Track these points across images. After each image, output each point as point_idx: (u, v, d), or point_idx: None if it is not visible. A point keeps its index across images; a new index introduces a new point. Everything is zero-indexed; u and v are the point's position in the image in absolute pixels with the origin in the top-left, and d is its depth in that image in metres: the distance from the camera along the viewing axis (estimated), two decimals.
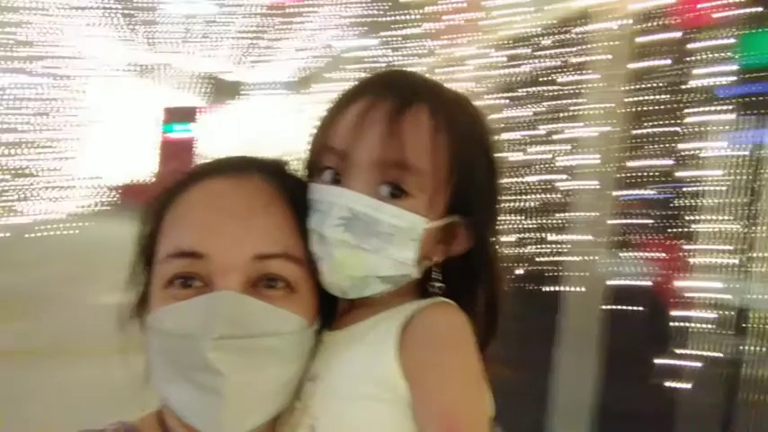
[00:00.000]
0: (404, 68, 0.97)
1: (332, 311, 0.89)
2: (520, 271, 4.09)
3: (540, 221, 4.60)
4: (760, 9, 3.41)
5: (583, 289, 3.44)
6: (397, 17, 6.60)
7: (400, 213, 0.82)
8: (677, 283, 3.73)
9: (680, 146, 3.76)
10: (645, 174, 3.92)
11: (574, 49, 4.17)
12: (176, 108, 18.16)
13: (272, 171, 0.90)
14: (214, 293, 0.80)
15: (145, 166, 17.05)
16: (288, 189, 0.88)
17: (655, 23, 3.62)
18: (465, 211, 0.86)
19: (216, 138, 17.15)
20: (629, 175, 3.73)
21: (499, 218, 0.90)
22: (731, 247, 3.43)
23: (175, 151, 17.37)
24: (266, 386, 0.81)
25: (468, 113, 0.89)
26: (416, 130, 0.82)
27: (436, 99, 0.86)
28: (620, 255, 3.95)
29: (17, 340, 5.46)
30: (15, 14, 8.66)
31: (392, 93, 0.84)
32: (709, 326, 3.37)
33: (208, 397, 0.79)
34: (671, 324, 3.46)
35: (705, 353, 3.35)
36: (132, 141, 17.16)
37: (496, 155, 0.90)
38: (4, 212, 9.26)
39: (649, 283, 4.04)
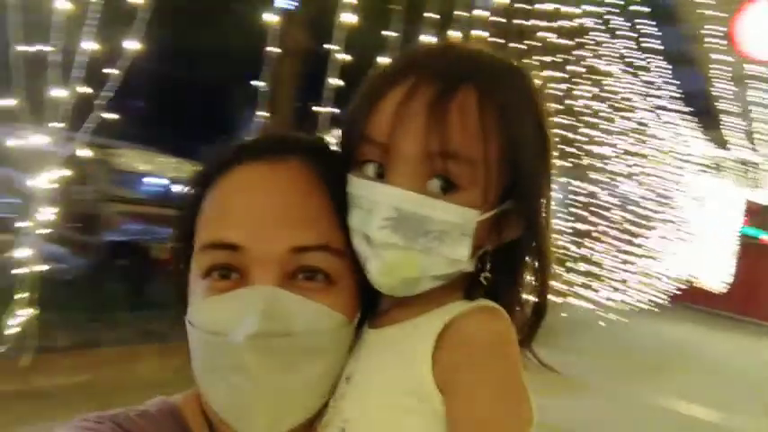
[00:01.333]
0: (447, 43, 0.89)
1: (374, 301, 0.85)
2: None
3: None
4: None
5: None
6: None
7: (452, 209, 0.76)
8: None
9: None
10: None
11: None
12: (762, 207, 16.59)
13: (311, 153, 0.85)
14: (250, 288, 0.78)
15: (713, 269, 16.04)
16: (328, 173, 0.83)
17: None
18: (518, 197, 0.79)
19: None
20: None
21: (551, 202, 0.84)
22: None
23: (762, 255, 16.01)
24: (302, 387, 0.79)
25: (522, 90, 0.81)
26: (464, 115, 0.75)
27: (485, 77, 0.78)
28: None
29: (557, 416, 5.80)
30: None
31: (435, 74, 0.77)
32: None
33: (242, 397, 0.77)
34: None
35: None
36: (704, 241, 15.90)
37: (550, 133, 0.82)
38: (565, 295, 9.97)
39: None
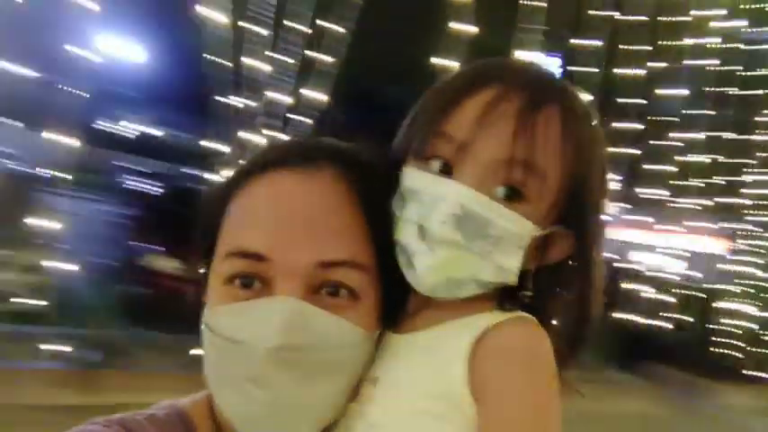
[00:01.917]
0: (527, 61, 0.94)
1: (398, 307, 0.84)
2: None
3: None
4: None
5: None
6: None
7: (515, 218, 0.77)
8: None
9: None
10: None
11: None
12: None
13: (343, 161, 0.83)
14: (274, 299, 0.77)
15: None
16: (360, 183, 0.82)
17: None
18: (570, 222, 0.81)
19: None
20: None
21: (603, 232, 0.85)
22: None
23: None
24: (319, 400, 0.79)
25: (591, 121, 0.83)
26: (548, 132, 0.77)
27: (566, 101, 0.80)
28: None
29: None
30: None
31: (525, 86, 0.78)
32: None
33: (257, 408, 0.77)
34: None
35: None
36: None
37: (607, 167, 0.85)
38: None
39: None
